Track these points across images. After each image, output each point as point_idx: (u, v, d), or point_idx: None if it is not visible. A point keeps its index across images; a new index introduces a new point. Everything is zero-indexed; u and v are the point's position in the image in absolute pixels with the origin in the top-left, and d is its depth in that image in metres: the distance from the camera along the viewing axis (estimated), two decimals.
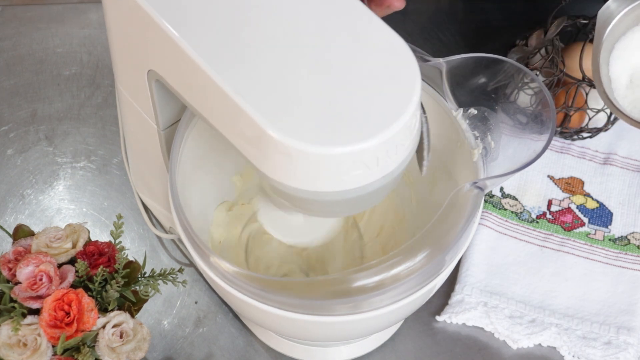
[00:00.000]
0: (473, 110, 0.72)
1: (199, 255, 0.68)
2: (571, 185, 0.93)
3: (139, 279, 0.73)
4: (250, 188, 0.85)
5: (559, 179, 0.94)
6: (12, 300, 0.68)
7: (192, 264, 0.88)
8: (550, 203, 0.92)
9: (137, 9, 0.63)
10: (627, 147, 0.96)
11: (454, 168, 0.76)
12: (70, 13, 1.09)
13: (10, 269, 0.70)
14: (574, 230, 0.90)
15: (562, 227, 0.90)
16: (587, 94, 0.91)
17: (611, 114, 0.93)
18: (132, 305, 0.71)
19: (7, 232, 0.75)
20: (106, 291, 0.69)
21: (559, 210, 0.92)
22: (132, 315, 0.70)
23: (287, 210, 0.74)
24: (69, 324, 0.67)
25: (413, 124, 0.59)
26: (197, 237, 0.68)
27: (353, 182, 0.58)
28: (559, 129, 0.94)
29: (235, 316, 0.85)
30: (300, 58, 0.59)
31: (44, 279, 0.68)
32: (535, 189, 0.93)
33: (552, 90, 0.92)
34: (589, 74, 0.91)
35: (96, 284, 0.69)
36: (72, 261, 0.71)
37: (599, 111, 0.92)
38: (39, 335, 0.67)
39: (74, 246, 0.72)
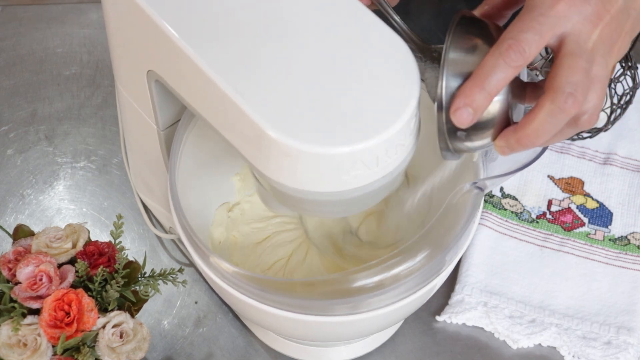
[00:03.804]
0: None
1: (199, 255, 0.68)
2: (571, 185, 0.93)
3: (139, 279, 0.73)
4: (250, 188, 0.85)
5: (559, 179, 0.94)
6: (12, 300, 0.68)
7: (192, 264, 0.88)
8: (550, 203, 0.92)
9: (137, 9, 0.63)
10: (627, 147, 0.96)
11: (454, 168, 0.76)
12: (70, 13, 1.09)
13: (10, 269, 0.70)
14: (574, 230, 0.90)
15: (562, 227, 0.90)
16: None
17: (611, 113, 0.93)
18: (132, 305, 0.71)
19: (7, 232, 0.75)
20: (106, 291, 0.69)
21: (559, 210, 0.91)
22: (132, 315, 0.70)
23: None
24: (69, 324, 0.67)
25: (413, 124, 0.59)
26: (197, 237, 0.68)
27: (353, 182, 0.58)
28: None
29: (235, 316, 0.85)
30: (300, 58, 0.59)
31: (44, 279, 0.68)
32: (535, 189, 0.93)
33: None
34: None
35: (96, 284, 0.69)
36: (72, 261, 0.71)
37: None
38: (39, 335, 0.67)
39: (74, 246, 0.72)
